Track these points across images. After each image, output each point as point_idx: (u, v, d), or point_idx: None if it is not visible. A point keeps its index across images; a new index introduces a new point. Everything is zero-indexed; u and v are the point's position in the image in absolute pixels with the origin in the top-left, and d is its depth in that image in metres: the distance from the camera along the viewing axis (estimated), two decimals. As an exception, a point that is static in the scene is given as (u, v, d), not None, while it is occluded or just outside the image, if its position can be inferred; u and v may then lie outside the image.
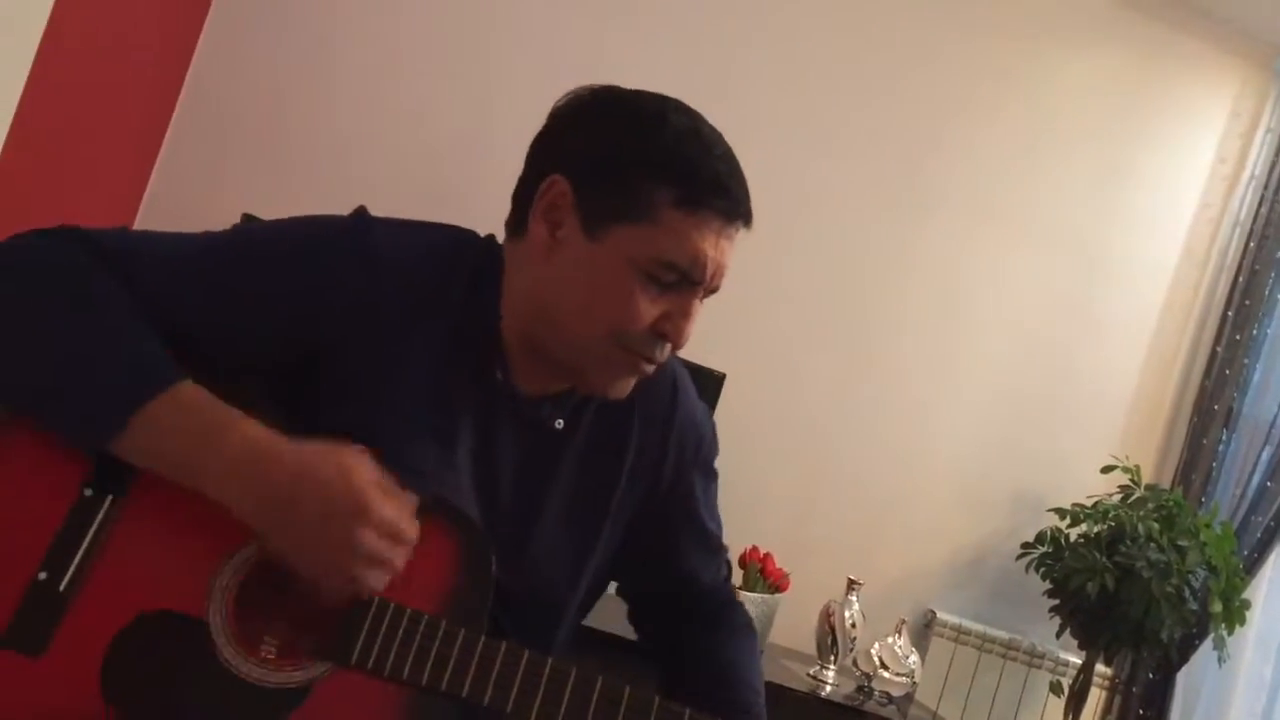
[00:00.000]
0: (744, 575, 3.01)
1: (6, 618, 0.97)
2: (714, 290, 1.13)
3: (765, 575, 3.02)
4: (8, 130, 1.54)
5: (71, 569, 0.99)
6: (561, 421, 1.19)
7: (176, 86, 2.82)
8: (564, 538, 1.19)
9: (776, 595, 3.05)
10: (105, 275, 1.04)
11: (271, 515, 0.99)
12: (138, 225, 2.82)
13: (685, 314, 1.11)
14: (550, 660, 1.03)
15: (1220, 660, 3.21)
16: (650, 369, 1.14)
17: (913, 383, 3.42)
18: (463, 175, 3.06)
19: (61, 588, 0.99)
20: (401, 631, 1.01)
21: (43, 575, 0.99)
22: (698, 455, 1.30)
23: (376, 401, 1.09)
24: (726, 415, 3.04)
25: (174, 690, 0.98)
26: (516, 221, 1.17)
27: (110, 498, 1.02)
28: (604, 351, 1.11)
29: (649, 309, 1.09)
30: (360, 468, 0.99)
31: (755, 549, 3.05)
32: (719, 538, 1.35)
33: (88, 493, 1.02)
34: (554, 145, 1.15)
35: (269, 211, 2.74)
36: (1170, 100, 3.56)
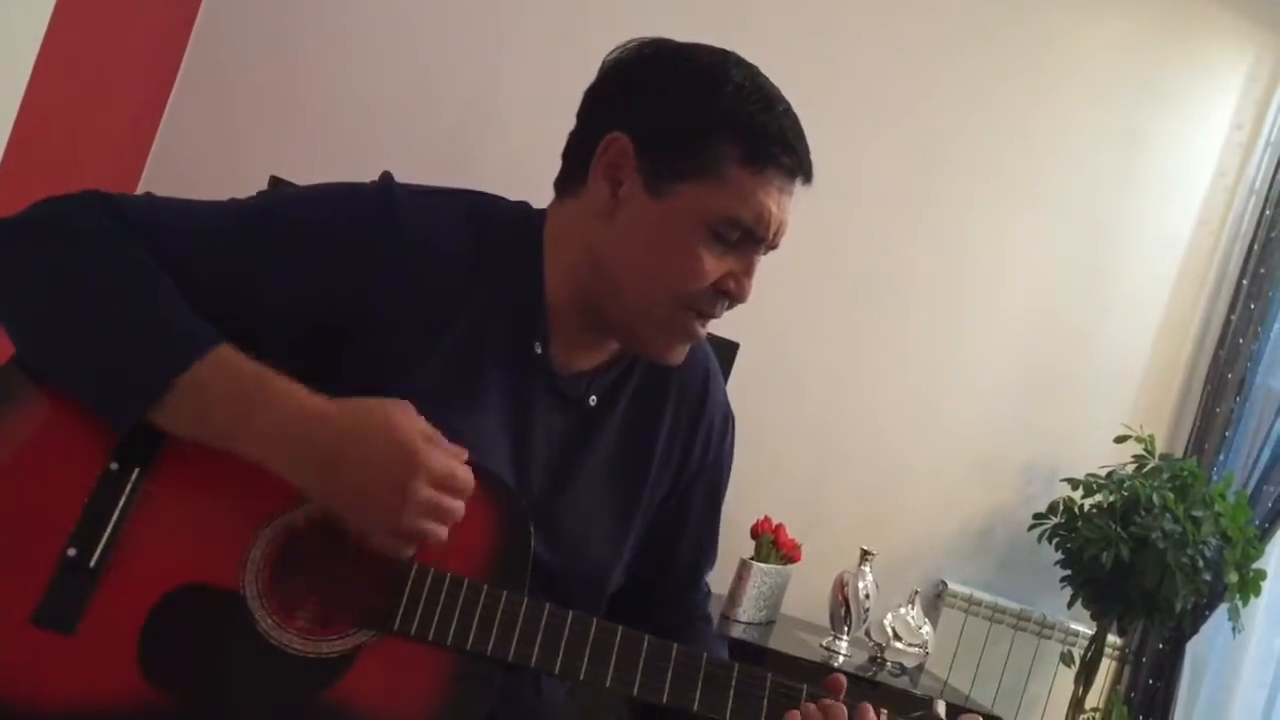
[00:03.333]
0: (756, 546, 2.99)
1: (37, 596, 0.94)
2: (774, 247, 1.12)
3: (777, 546, 3.00)
4: (21, 98, 1.49)
5: (101, 545, 0.96)
6: (595, 399, 1.17)
7: (181, 46, 2.76)
8: (604, 513, 1.17)
9: (789, 566, 3.03)
10: (133, 241, 1.01)
11: (321, 474, 0.96)
12: (142, 187, 2.77)
13: (748, 271, 1.10)
14: (596, 620, 1.02)
15: (1235, 631, 3.21)
16: (703, 331, 1.13)
17: (924, 353, 3.39)
18: (472, 135, 3.02)
19: (91, 564, 0.96)
20: (444, 596, 0.99)
21: (71, 552, 0.96)
22: (722, 447, 1.29)
23: (402, 373, 1.07)
24: (739, 385, 2.99)
25: (213, 664, 0.96)
26: (569, 180, 1.14)
27: (137, 470, 0.99)
28: (665, 312, 1.10)
29: (714, 267, 1.08)
30: (407, 420, 0.97)
31: (767, 519, 3.03)
32: (716, 543, 1.33)
33: (114, 466, 0.99)
34: (612, 101, 1.12)
35: (281, 170, 2.74)
36: (1185, 65, 3.51)
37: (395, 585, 0.99)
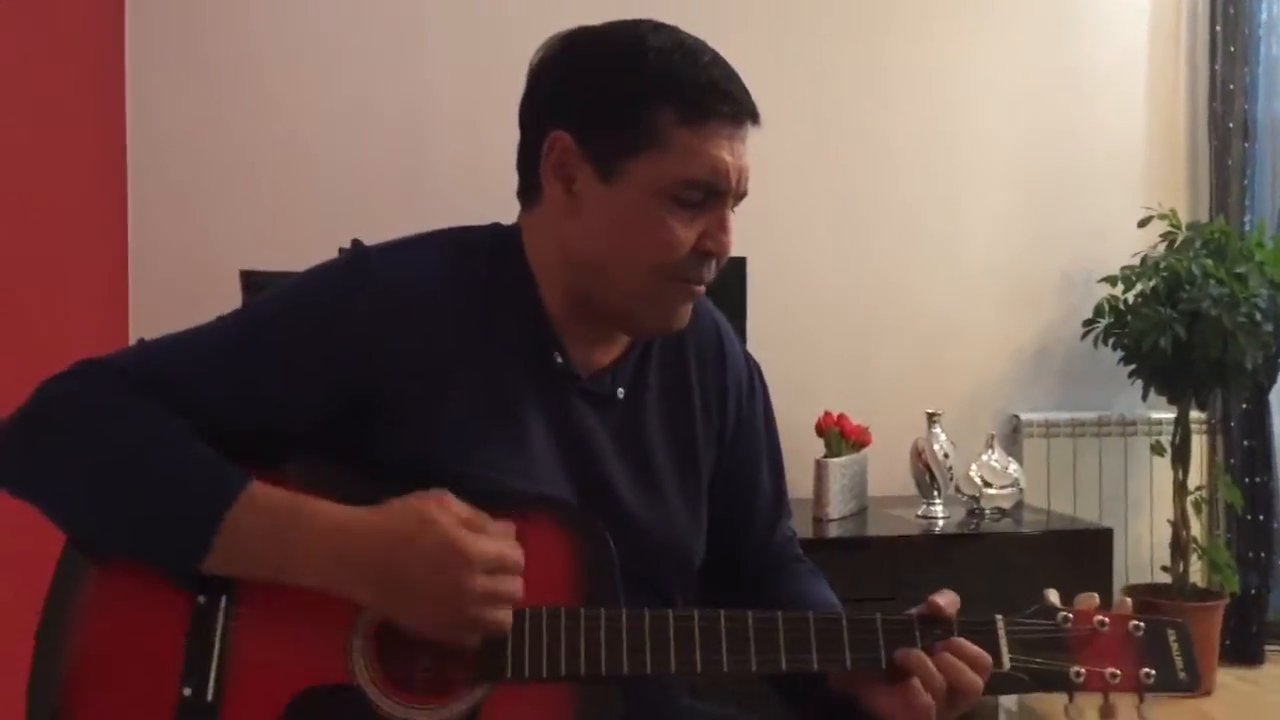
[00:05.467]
0: (825, 442, 3.00)
1: None
2: (742, 195, 1.10)
3: (845, 436, 3.01)
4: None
5: (211, 678, 0.99)
6: (623, 390, 1.17)
7: (121, 146, 2.73)
8: (672, 492, 1.18)
9: (862, 451, 3.04)
10: (141, 402, 1.03)
11: (374, 591, 0.98)
12: (132, 314, 2.77)
13: (722, 226, 1.08)
14: (697, 613, 1.03)
15: (1311, 367, 3.18)
16: (701, 290, 1.12)
17: (927, 202, 3.35)
18: (412, 166, 2.98)
19: (209, 698, 0.98)
20: (545, 631, 1.00)
21: (187, 692, 0.98)
22: (754, 400, 1.28)
23: (433, 423, 1.07)
24: (759, 297, 3.01)
25: None
26: (527, 190, 1.14)
27: (224, 596, 1.01)
28: (654, 289, 1.09)
29: (686, 233, 1.07)
30: (445, 514, 0.97)
31: (828, 414, 3.03)
32: (785, 492, 1.32)
33: (201, 600, 1.01)
34: (543, 102, 1.11)
35: (249, 233, 2.72)
36: None
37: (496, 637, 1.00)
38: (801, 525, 2.86)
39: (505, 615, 0.98)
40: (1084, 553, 2.91)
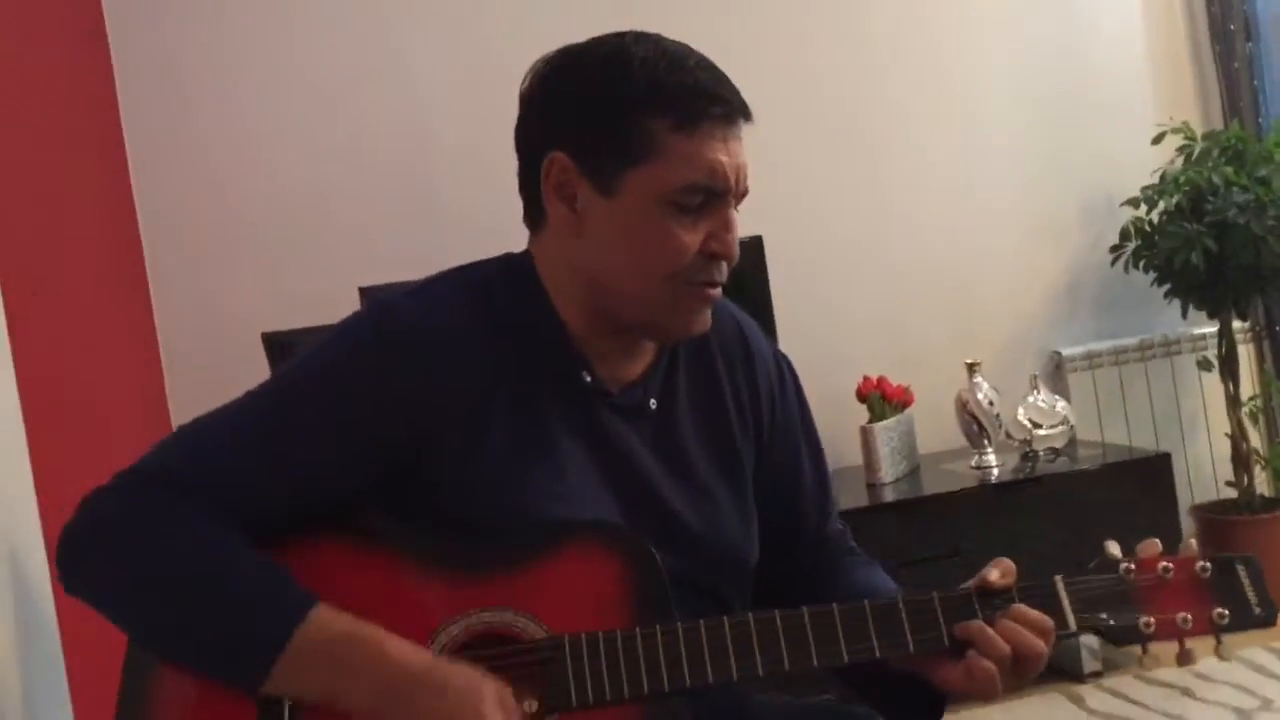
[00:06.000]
0: (868, 408, 2.98)
1: None
2: (743, 193, 1.11)
3: (888, 398, 2.99)
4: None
5: None
6: (655, 401, 1.18)
7: (135, 231, 2.76)
8: (720, 497, 1.18)
9: (907, 411, 3.03)
10: (191, 512, 1.02)
11: None
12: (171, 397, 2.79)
13: (727, 227, 1.09)
14: (751, 616, 1.03)
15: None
16: (717, 292, 1.13)
17: (939, 153, 3.30)
18: (418, 197, 2.96)
19: None
20: (604, 656, 1.01)
21: None
22: (786, 396, 1.27)
23: (473, 462, 1.08)
24: (781, 274, 2.99)
25: None
26: (532, 214, 1.15)
27: (287, 704, 1.01)
28: (668, 297, 1.10)
29: (691, 238, 1.08)
30: (492, 690, 0.98)
31: (867, 378, 3.02)
32: (830, 485, 1.31)
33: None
34: (536, 126, 1.13)
35: (267, 294, 2.72)
36: None
37: (557, 666, 1.01)
38: (855, 493, 2.89)
39: None
40: (1145, 480, 2.88)
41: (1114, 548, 1.07)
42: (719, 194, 1.08)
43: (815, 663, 1.01)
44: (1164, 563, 1.04)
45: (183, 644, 1.01)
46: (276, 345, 1.77)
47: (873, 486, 2.90)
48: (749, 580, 1.19)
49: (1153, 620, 1.02)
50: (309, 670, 0.98)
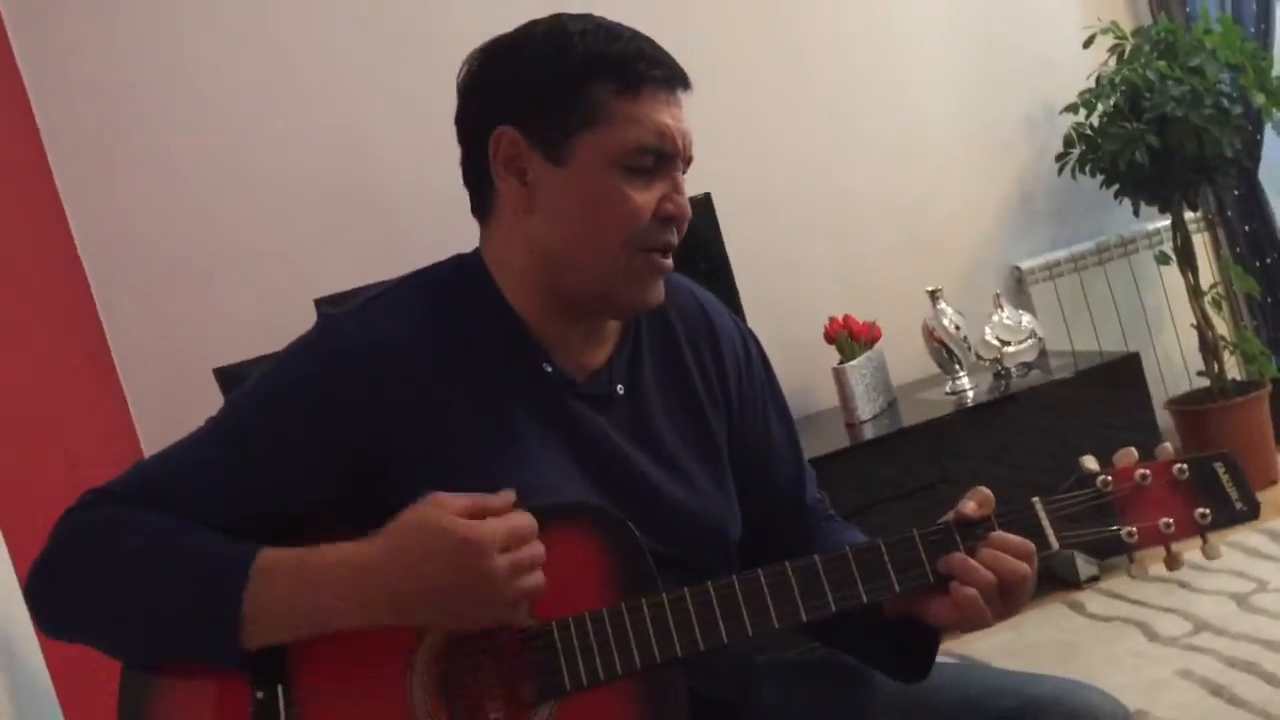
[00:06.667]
0: (838, 348, 2.98)
1: None
2: (689, 160, 1.13)
3: (855, 336, 3.00)
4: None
5: None
6: (621, 386, 1.17)
7: (84, 278, 2.69)
8: (697, 473, 1.18)
9: (877, 347, 3.03)
10: (142, 514, 1.05)
11: (410, 610, 0.99)
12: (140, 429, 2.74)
13: (678, 188, 1.11)
14: (735, 578, 1.04)
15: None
16: (669, 262, 1.13)
17: (876, 85, 3.29)
18: (364, 204, 2.90)
19: None
20: (593, 636, 1.01)
21: None
22: (752, 369, 1.27)
23: (438, 465, 1.07)
24: (732, 228, 2.96)
25: None
26: (481, 202, 1.16)
27: (280, 687, 1.02)
28: (624, 263, 1.10)
29: (645, 199, 1.09)
30: (439, 512, 0.98)
31: (833, 319, 3.02)
32: (803, 452, 1.32)
33: (259, 696, 1.02)
34: (479, 109, 1.13)
35: (222, 322, 2.67)
36: None
37: (548, 653, 1.02)
38: (835, 435, 2.90)
39: (537, 578, 0.99)
40: (1118, 382, 2.90)
41: (1090, 461, 1.07)
42: (668, 156, 1.09)
43: (804, 617, 1.02)
44: (1141, 470, 1.05)
45: (155, 630, 1.02)
46: (231, 378, 1.75)
47: (852, 426, 2.90)
48: (734, 557, 1.19)
49: (1135, 529, 1.03)
50: (279, 604, 0.99)
